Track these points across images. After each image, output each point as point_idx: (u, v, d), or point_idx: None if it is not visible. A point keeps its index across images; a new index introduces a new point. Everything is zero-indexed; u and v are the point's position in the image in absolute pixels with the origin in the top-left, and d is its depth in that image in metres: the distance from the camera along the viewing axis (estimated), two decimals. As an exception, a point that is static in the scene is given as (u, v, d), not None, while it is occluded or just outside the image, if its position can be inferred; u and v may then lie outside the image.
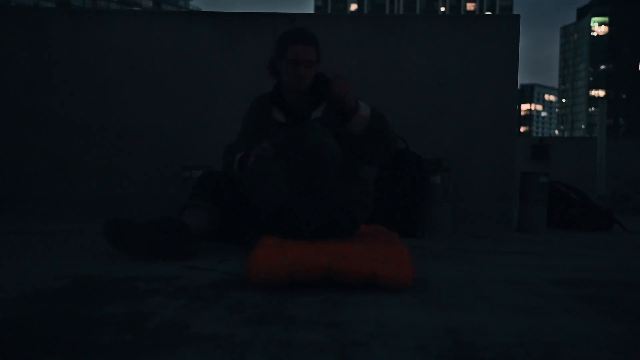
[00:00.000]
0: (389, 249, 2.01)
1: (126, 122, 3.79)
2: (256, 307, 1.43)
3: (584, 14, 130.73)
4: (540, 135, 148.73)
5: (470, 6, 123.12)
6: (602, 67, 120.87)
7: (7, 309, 1.38)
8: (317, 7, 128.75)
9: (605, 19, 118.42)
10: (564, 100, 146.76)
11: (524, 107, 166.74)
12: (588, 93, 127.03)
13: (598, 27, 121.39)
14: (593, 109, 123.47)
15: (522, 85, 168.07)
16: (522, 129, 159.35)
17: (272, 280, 1.62)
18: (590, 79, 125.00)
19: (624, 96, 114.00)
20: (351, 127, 2.33)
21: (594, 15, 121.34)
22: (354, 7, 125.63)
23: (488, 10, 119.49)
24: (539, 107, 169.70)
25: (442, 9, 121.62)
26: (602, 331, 1.29)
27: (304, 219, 2.31)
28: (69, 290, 1.60)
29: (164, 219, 2.13)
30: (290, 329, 1.24)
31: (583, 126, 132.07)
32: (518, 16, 3.77)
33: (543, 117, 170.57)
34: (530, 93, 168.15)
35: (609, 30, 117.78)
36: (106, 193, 3.75)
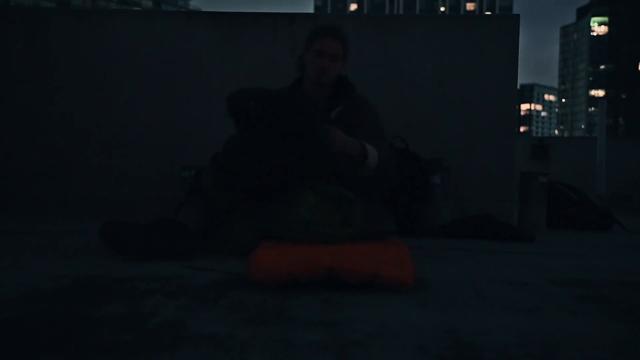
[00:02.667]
0: (390, 248, 2.01)
1: (126, 121, 3.79)
2: (256, 307, 1.43)
3: (584, 14, 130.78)
4: (540, 135, 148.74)
5: (470, 6, 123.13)
6: (602, 67, 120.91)
7: (7, 309, 1.38)
8: (317, 7, 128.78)
9: (605, 18, 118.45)
10: (563, 100, 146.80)
11: (524, 107, 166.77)
12: (588, 93, 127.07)
13: (598, 27, 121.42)
14: (593, 109, 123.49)
15: (521, 85, 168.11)
16: (522, 129, 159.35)
17: (272, 279, 1.62)
18: (590, 78, 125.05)
19: (623, 96, 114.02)
20: (360, 172, 2.38)
21: (594, 15, 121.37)
22: (353, 7, 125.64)
23: (488, 10, 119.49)
24: (539, 107, 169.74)
25: (442, 8, 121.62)
26: (602, 331, 1.29)
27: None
28: (69, 290, 1.60)
29: (162, 219, 2.13)
30: (290, 329, 1.24)
31: (583, 126, 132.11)
32: (518, 16, 3.77)
33: (543, 117, 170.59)
34: (530, 93, 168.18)
35: (609, 30, 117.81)
36: (106, 193, 3.75)
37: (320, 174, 2.29)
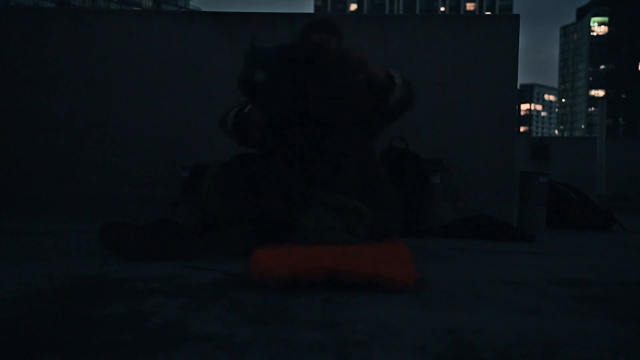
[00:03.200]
0: (390, 249, 2.01)
1: (125, 122, 3.79)
2: (256, 307, 1.43)
3: (584, 14, 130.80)
4: (540, 135, 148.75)
5: (470, 6, 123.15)
6: (602, 67, 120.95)
7: (7, 309, 1.38)
8: (316, 7, 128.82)
9: (605, 19, 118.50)
10: (563, 100, 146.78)
11: (524, 107, 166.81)
12: (588, 93, 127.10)
13: (598, 27, 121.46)
14: (593, 109, 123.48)
15: (521, 85, 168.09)
16: (522, 129, 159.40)
17: (273, 279, 1.62)
18: (590, 78, 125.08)
19: (623, 96, 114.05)
20: (390, 101, 2.28)
21: (594, 15, 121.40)
22: (353, 7, 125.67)
23: (488, 10, 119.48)
24: (539, 107, 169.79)
25: (442, 8, 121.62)
26: (602, 331, 1.29)
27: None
28: (69, 290, 1.60)
29: (161, 220, 2.13)
30: (290, 329, 1.24)
31: (583, 126, 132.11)
32: (518, 16, 3.77)
33: (543, 117, 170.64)
34: (530, 93, 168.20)
35: (609, 30, 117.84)
36: (106, 193, 3.75)
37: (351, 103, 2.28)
